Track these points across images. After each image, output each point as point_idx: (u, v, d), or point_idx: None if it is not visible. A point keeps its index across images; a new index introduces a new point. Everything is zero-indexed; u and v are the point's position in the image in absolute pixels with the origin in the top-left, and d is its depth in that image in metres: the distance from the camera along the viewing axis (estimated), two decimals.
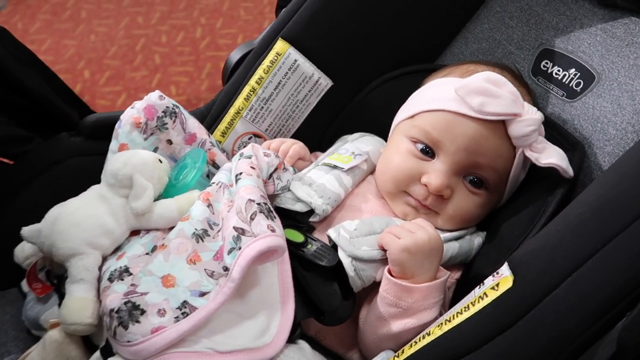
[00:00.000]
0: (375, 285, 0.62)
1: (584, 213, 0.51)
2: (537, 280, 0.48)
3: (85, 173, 0.70)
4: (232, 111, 0.81)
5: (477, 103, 0.63)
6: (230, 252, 0.56)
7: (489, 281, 0.52)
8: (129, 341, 0.52)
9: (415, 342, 0.53)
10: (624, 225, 0.47)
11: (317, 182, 0.69)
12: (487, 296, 0.50)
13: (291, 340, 0.58)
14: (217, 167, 0.75)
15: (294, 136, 0.83)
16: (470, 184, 0.67)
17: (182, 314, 0.53)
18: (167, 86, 1.71)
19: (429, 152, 0.67)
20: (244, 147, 0.71)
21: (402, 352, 0.54)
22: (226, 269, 0.56)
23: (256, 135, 0.82)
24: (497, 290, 0.50)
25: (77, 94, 0.83)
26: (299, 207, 0.67)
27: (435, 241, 0.60)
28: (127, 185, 0.63)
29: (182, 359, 0.52)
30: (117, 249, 0.63)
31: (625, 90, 0.70)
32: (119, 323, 0.52)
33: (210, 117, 0.82)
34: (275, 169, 0.68)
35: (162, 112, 0.72)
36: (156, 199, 0.66)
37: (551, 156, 0.63)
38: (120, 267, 0.59)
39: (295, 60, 0.80)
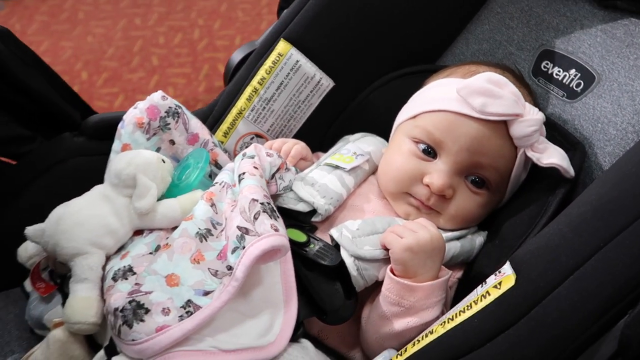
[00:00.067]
0: (377, 285, 0.62)
1: (585, 212, 0.51)
2: (539, 279, 0.49)
3: (88, 173, 0.71)
4: (234, 111, 0.81)
5: (479, 103, 0.63)
6: (234, 251, 0.56)
7: (491, 280, 0.52)
8: (133, 340, 0.52)
9: (418, 341, 0.53)
10: (625, 224, 0.47)
11: (320, 182, 0.69)
12: (489, 294, 0.50)
13: (294, 339, 0.58)
14: (220, 167, 0.76)
15: (296, 136, 0.84)
16: (472, 183, 0.67)
17: (187, 312, 0.53)
18: (164, 88, 1.71)
19: (431, 152, 0.68)
20: (246, 147, 0.71)
21: (405, 350, 0.54)
22: (230, 268, 0.56)
23: (258, 136, 0.83)
24: (499, 288, 0.50)
25: None
26: (302, 207, 0.68)
27: (438, 240, 0.60)
28: (130, 185, 0.64)
29: (186, 358, 0.52)
30: (121, 248, 0.63)
31: (626, 90, 0.71)
32: (123, 322, 0.53)
33: (212, 118, 0.83)
34: (278, 169, 0.68)
35: (165, 112, 0.72)
36: (159, 199, 0.66)
37: (552, 156, 0.64)
38: (124, 266, 0.59)
39: (297, 61, 0.80)
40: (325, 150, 0.81)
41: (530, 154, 0.65)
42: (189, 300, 0.54)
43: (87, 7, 2.09)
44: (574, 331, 0.46)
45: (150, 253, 0.61)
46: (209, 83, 1.73)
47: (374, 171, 0.75)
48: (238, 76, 0.83)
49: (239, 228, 0.57)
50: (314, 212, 0.68)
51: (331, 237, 0.64)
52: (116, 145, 0.71)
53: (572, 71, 0.76)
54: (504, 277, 0.51)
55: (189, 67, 1.80)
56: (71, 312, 0.57)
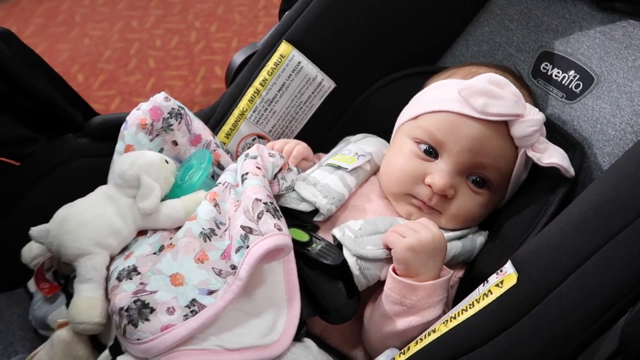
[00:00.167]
0: (379, 284, 0.63)
1: (586, 212, 0.52)
2: (541, 278, 0.49)
3: (91, 174, 0.71)
4: (236, 113, 0.82)
5: (480, 104, 0.64)
6: (238, 250, 0.57)
7: (493, 279, 0.53)
8: (138, 339, 0.52)
9: (421, 339, 0.54)
10: (625, 224, 0.48)
11: (322, 182, 0.70)
12: (491, 293, 0.51)
13: (297, 338, 0.59)
14: (222, 168, 0.76)
15: (298, 137, 0.84)
16: (473, 183, 0.68)
17: (191, 312, 0.54)
18: (161, 90, 1.68)
19: (432, 152, 0.68)
20: (248, 148, 0.72)
21: (408, 349, 0.55)
22: (234, 267, 0.57)
23: (260, 137, 0.83)
24: (501, 287, 0.51)
25: None
26: (304, 207, 0.68)
27: (439, 240, 0.61)
28: (134, 186, 0.64)
29: (191, 357, 0.53)
30: (125, 248, 0.64)
31: (624, 91, 0.71)
32: (128, 321, 0.53)
33: (214, 119, 0.83)
34: (280, 169, 0.69)
35: (168, 113, 0.73)
36: (163, 200, 0.66)
37: (553, 156, 0.65)
38: (129, 266, 0.59)
39: (299, 62, 0.81)
40: (326, 151, 0.82)
41: (530, 153, 0.66)
42: (193, 300, 0.55)
43: (84, 10, 2.09)
44: (575, 329, 0.47)
45: (154, 253, 0.62)
46: (205, 85, 1.74)
47: (375, 172, 0.76)
48: (240, 78, 0.84)
49: (243, 227, 0.57)
50: (316, 211, 0.68)
51: (333, 236, 0.64)
52: (119, 146, 0.71)
53: (571, 72, 0.76)
54: (506, 276, 0.51)
55: (185, 70, 1.80)
56: (76, 312, 0.58)
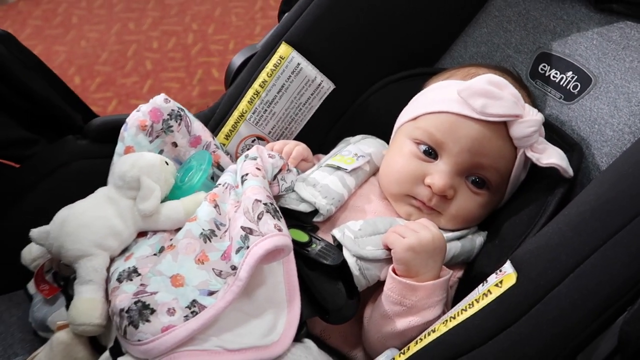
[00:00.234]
0: (379, 284, 0.63)
1: (584, 212, 0.52)
2: (540, 277, 0.49)
3: (91, 175, 0.71)
4: (235, 114, 0.82)
5: (480, 105, 0.64)
6: (238, 251, 0.57)
7: (493, 278, 0.53)
8: (139, 340, 0.52)
9: (421, 339, 0.54)
10: (623, 224, 0.48)
11: (321, 182, 0.70)
12: (491, 293, 0.51)
13: (297, 339, 0.59)
14: (222, 170, 0.76)
15: (297, 139, 0.84)
16: (472, 184, 0.68)
17: (192, 312, 0.54)
18: (158, 92, 1.68)
19: (432, 153, 0.68)
20: (248, 149, 0.72)
21: (408, 349, 0.55)
22: (234, 268, 0.57)
23: (259, 138, 0.83)
24: (500, 287, 0.51)
25: None
26: (303, 208, 0.68)
27: (439, 240, 0.61)
28: (134, 187, 0.64)
29: (191, 358, 0.53)
30: (125, 250, 0.64)
31: (622, 92, 0.72)
32: (129, 322, 0.53)
33: (214, 120, 0.83)
34: (280, 170, 0.69)
35: (168, 115, 0.73)
36: (163, 201, 0.66)
37: (552, 156, 0.65)
38: (129, 267, 0.59)
39: (298, 64, 0.81)
40: (325, 152, 0.82)
41: (529, 154, 0.66)
42: (194, 301, 0.55)
43: (81, 12, 2.09)
44: (574, 329, 0.47)
45: (155, 254, 0.62)
46: (202, 88, 1.74)
47: (374, 172, 0.76)
48: (239, 79, 0.84)
49: (243, 228, 0.57)
50: (315, 212, 0.68)
51: (333, 237, 0.64)
52: (119, 147, 0.72)
53: (569, 73, 0.77)
54: (505, 276, 0.51)
55: (182, 72, 1.80)
56: (76, 313, 0.58)
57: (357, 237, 0.63)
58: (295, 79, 0.81)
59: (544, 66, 0.79)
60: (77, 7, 2.12)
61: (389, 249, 0.62)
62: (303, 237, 0.64)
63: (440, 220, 0.68)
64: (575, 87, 0.76)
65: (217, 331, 0.55)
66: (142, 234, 0.65)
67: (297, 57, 0.81)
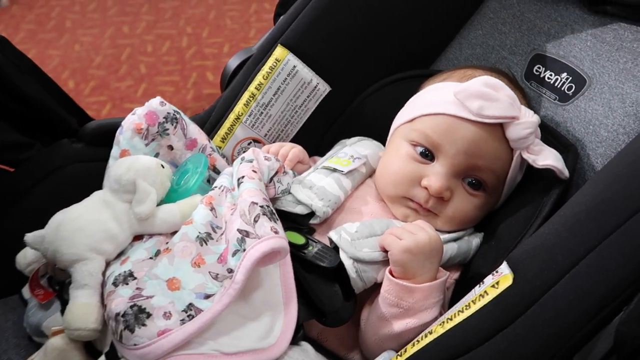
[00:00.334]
0: (376, 287, 0.63)
1: (579, 213, 0.52)
2: (536, 278, 0.49)
3: (86, 179, 0.71)
4: (231, 117, 0.82)
5: (476, 106, 0.64)
6: (234, 254, 0.57)
7: (489, 279, 0.53)
8: (135, 344, 0.52)
9: (418, 341, 0.54)
10: (618, 224, 0.49)
11: (318, 184, 0.70)
12: (487, 294, 0.51)
13: (294, 341, 0.59)
14: (218, 172, 0.76)
15: (293, 141, 0.84)
16: (469, 185, 0.68)
17: (188, 316, 0.54)
18: (152, 96, 1.68)
19: (428, 155, 0.69)
20: (244, 152, 0.72)
21: (405, 351, 0.55)
22: (230, 271, 0.57)
23: (256, 141, 0.83)
24: (497, 288, 0.51)
25: None
26: (300, 210, 0.68)
27: (436, 242, 0.61)
28: (130, 191, 0.64)
29: None
30: (121, 254, 0.63)
31: (616, 93, 0.72)
32: (125, 327, 0.53)
33: (210, 123, 0.83)
34: (276, 173, 0.69)
35: (163, 118, 0.73)
36: (159, 204, 0.66)
37: (548, 158, 0.65)
38: (125, 271, 0.59)
39: (294, 66, 0.81)
40: (322, 154, 0.82)
41: (526, 155, 0.66)
42: (190, 304, 0.55)
43: (75, 16, 2.08)
44: (570, 329, 0.47)
45: (151, 258, 0.62)
46: (197, 91, 1.74)
47: (371, 174, 0.76)
48: (235, 82, 0.84)
49: (240, 231, 0.57)
50: (312, 214, 0.68)
51: (330, 239, 0.64)
52: (115, 151, 0.71)
53: (564, 75, 0.77)
54: (502, 277, 0.52)
55: (177, 75, 1.80)
56: (71, 318, 0.57)
57: (354, 239, 0.63)
58: (291, 81, 0.81)
59: (539, 68, 0.80)
60: (70, 11, 2.11)
61: (385, 251, 0.62)
62: (300, 240, 0.64)
63: (437, 221, 0.68)
64: (569, 88, 0.76)
65: (214, 334, 0.54)
66: (138, 237, 0.65)
67: (293, 60, 0.81)
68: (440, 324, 0.53)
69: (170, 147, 0.74)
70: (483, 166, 0.67)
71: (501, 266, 0.53)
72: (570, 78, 0.76)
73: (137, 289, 0.56)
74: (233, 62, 0.93)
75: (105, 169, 0.70)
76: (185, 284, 0.56)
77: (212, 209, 0.63)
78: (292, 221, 0.68)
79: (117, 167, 0.66)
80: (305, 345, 0.60)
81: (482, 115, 0.65)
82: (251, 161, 0.67)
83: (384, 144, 0.78)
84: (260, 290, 0.59)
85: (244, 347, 0.55)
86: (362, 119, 0.86)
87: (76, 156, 0.77)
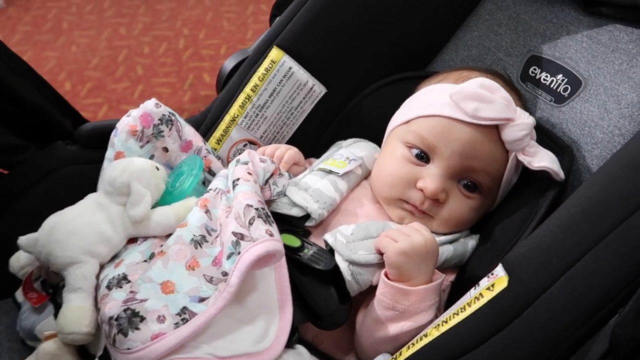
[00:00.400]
0: (371, 289, 0.62)
1: (575, 214, 0.52)
2: (531, 280, 0.49)
3: (81, 181, 0.71)
4: (227, 119, 0.82)
5: (472, 108, 0.64)
6: (229, 257, 0.56)
7: (484, 282, 0.53)
8: (128, 348, 0.52)
9: (413, 344, 0.54)
10: (613, 226, 0.49)
11: (313, 187, 0.70)
12: (482, 297, 0.51)
13: (289, 345, 0.58)
14: (213, 174, 0.76)
15: (289, 143, 0.84)
16: (464, 188, 0.68)
17: (182, 320, 0.53)
18: (149, 97, 1.68)
19: (424, 157, 0.68)
20: (239, 154, 0.72)
21: (400, 354, 0.55)
22: (225, 274, 0.57)
23: (251, 142, 0.83)
24: (492, 290, 0.51)
25: None
26: (295, 212, 0.68)
27: (431, 244, 0.61)
28: (124, 193, 0.64)
29: None
30: (115, 256, 0.63)
31: (611, 95, 0.72)
32: (118, 330, 0.52)
33: (205, 125, 0.83)
34: (271, 175, 0.69)
35: (159, 119, 0.72)
36: (153, 207, 0.66)
37: (543, 160, 0.65)
38: (119, 274, 0.59)
39: (290, 68, 0.81)
40: (318, 156, 0.82)
41: (521, 157, 0.66)
42: (184, 307, 0.54)
43: (71, 17, 2.08)
44: (565, 332, 0.47)
45: (145, 261, 0.61)
46: (194, 92, 1.73)
47: (366, 176, 0.76)
48: (231, 83, 0.84)
49: (234, 234, 0.57)
50: (307, 216, 0.68)
51: (325, 242, 0.64)
52: (109, 153, 0.71)
53: (560, 76, 0.77)
54: (497, 279, 0.51)
55: (174, 77, 1.80)
56: (65, 322, 0.57)
57: (349, 242, 0.63)
58: (286, 83, 0.81)
59: (535, 69, 0.80)
60: (67, 13, 2.11)
61: (381, 254, 0.61)
62: (295, 242, 0.63)
63: (433, 224, 0.68)
64: (565, 89, 0.76)
65: (208, 338, 0.54)
66: (132, 240, 0.65)
67: (288, 61, 0.81)
68: (435, 327, 0.53)
69: (166, 149, 0.74)
70: (478, 168, 0.67)
71: (497, 268, 0.53)
72: (566, 79, 0.76)
73: (131, 292, 0.56)
74: (229, 64, 0.93)
75: (99, 171, 0.70)
76: (180, 287, 0.56)
77: (207, 211, 0.63)
78: (288, 224, 0.68)
79: (111, 170, 0.65)
80: (300, 349, 0.59)
81: (477, 117, 0.65)
82: (246, 163, 0.66)
83: (380, 145, 0.78)
84: (255, 293, 0.58)
85: (238, 350, 0.54)
86: (358, 120, 0.86)
87: (71, 158, 0.76)
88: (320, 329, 0.61)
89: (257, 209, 0.59)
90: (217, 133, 0.82)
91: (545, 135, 0.73)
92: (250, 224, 0.57)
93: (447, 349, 0.50)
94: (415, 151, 0.69)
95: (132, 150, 0.71)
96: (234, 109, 0.82)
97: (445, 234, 0.68)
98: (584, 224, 0.51)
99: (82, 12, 2.11)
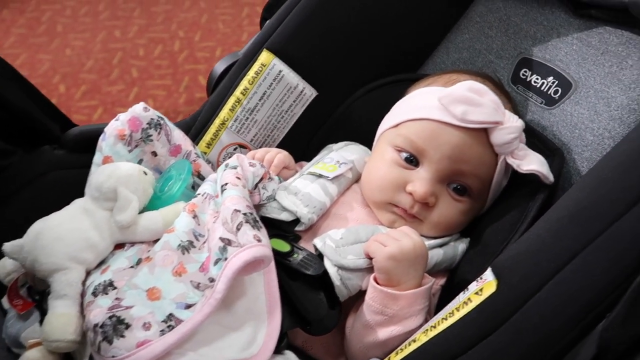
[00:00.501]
0: (361, 294, 0.62)
1: (563, 217, 0.52)
2: (520, 284, 0.49)
3: (68, 186, 0.70)
4: (217, 122, 0.81)
5: (460, 112, 0.64)
6: (216, 263, 0.56)
7: (473, 286, 0.53)
8: (113, 356, 0.51)
9: (402, 349, 0.53)
10: (603, 229, 0.48)
11: (303, 191, 0.69)
12: (471, 301, 0.51)
13: (278, 350, 0.58)
14: (203, 179, 0.75)
15: (280, 146, 0.83)
16: (453, 191, 0.68)
17: (168, 327, 0.53)
18: (144, 100, 1.67)
19: (413, 160, 0.68)
20: (229, 157, 0.71)
21: (389, 359, 0.54)
22: (212, 280, 0.56)
23: (241, 146, 0.83)
24: (481, 295, 0.50)
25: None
26: (285, 217, 0.68)
27: (420, 248, 0.61)
28: (111, 198, 0.63)
29: None
30: (101, 262, 0.62)
31: (601, 97, 0.72)
32: (103, 338, 0.52)
33: (195, 129, 0.82)
34: (261, 179, 0.68)
35: (147, 124, 0.72)
36: (141, 212, 0.65)
37: (532, 163, 0.65)
38: (105, 281, 0.58)
39: (280, 71, 0.80)
40: (308, 159, 0.81)
41: (510, 160, 0.66)
42: (170, 314, 0.54)
43: (66, 20, 2.07)
44: (554, 336, 0.47)
45: (132, 267, 0.61)
46: (189, 95, 1.73)
47: (357, 179, 0.76)
48: (221, 87, 0.83)
49: (222, 239, 0.57)
50: (297, 221, 0.68)
51: (315, 246, 0.64)
52: (97, 157, 0.70)
53: (550, 79, 0.77)
54: (486, 284, 0.51)
55: (169, 79, 1.79)
56: (50, 329, 0.56)
57: (339, 246, 0.62)
58: (277, 86, 0.81)
59: (525, 71, 0.80)
60: (62, 15, 2.10)
61: (370, 258, 0.61)
62: (284, 247, 0.63)
63: (422, 227, 0.67)
64: (556, 92, 0.76)
65: (195, 345, 0.54)
66: (119, 245, 0.64)
67: (278, 64, 0.80)
68: (424, 332, 0.52)
69: (154, 154, 0.73)
70: (467, 171, 0.67)
71: (485, 272, 0.53)
72: (557, 82, 0.76)
73: (117, 299, 0.55)
74: (219, 67, 0.92)
75: (87, 176, 0.69)
76: (166, 294, 0.55)
77: (195, 216, 0.62)
78: (278, 228, 0.67)
79: (98, 175, 0.65)
80: (289, 355, 0.59)
81: (466, 120, 0.64)
82: (235, 167, 0.66)
83: (371, 148, 0.78)
84: (243, 299, 0.58)
85: (225, 357, 0.54)
86: (348, 123, 0.86)
87: (58, 163, 0.76)
88: (310, 335, 0.61)
89: (245, 214, 0.58)
90: (207, 136, 0.81)
91: (536, 138, 0.73)
92: (238, 229, 0.57)
93: (436, 354, 0.50)
94: (404, 155, 0.69)
95: (120, 155, 0.70)
96: (224, 113, 0.81)
97: (435, 238, 0.68)
98: (573, 227, 0.50)
99: (77, 14, 2.10)
